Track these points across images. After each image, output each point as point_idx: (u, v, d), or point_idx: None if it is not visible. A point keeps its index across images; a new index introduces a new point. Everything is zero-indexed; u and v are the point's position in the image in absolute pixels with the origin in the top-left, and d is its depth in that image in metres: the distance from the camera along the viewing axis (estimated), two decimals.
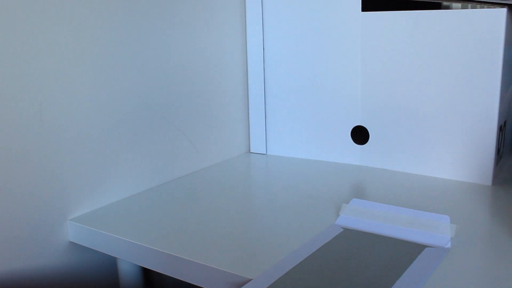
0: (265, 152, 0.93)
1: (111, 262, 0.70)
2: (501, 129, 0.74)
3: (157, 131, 0.75)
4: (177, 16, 0.76)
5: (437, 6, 0.87)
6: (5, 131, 0.56)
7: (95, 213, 0.65)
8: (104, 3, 0.64)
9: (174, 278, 0.55)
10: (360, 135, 0.83)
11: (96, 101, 0.65)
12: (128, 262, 0.66)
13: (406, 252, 0.51)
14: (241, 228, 0.60)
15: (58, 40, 0.60)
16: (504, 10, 0.67)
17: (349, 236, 0.56)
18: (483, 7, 0.69)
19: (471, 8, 0.74)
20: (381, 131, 0.80)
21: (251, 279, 0.47)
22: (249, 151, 0.95)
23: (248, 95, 0.92)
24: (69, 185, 0.63)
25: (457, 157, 0.74)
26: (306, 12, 0.83)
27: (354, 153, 0.84)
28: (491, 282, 0.45)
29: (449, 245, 0.52)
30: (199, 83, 0.81)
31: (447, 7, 0.90)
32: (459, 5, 0.88)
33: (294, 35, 0.85)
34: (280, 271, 0.48)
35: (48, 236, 0.62)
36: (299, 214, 0.63)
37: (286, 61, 0.86)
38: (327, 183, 0.75)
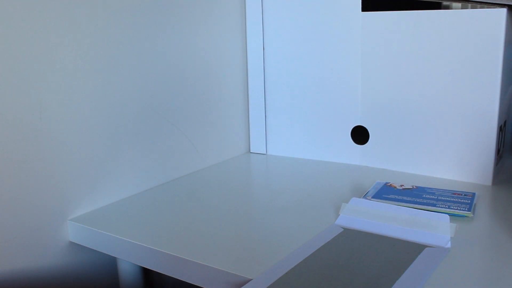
0: (265, 152, 0.93)
1: (111, 262, 0.70)
2: (501, 129, 0.74)
3: (157, 131, 0.75)
4: (177, 16, 0.76)
5: (437, 6, 0.87)
6: (5, 131, 0.56)
7: (95, 213, 0.65)
8: (104, 4, 0.64)
9: (174, 278, 0.55)
10: (360, 135, 0.83)
11: (96, 101, 0.65)
12: (128, 262, 0.66)
13: (406, 252, 0.51)
14: (241, 228, 0.60)
15: (58, 40, 0.60)
16: (504, 10, 0.67)
17: (349, 236, 0.56)
18: (483, 7, 0.69)
19: (471, 8, 0.74)
20: (381, 131, 0.80)
21: (251, 279, 0.47)
22: (249, 151, 0.95)
23: (248, 95, 0.92)
24: (69, 185, 0.63)
25: (457, 157, 0.74)
26: (306, 12, 0.83)
27: (354, 153, 0.84)
28: (491, 282, 0.45)
29: (449, 245, 0.52)
30: (199, 83, 0.81)
31: (447, 7, 0.90)
32: (459, 5, 0.88)
33: (294, 35, 0.85)
34: (279, 271, 0.48)
35: (48, 236, 0.62)
36: (299, 214, 0.63)
37: (286, 61, 0.86)
38: (327, 183, 0.75)
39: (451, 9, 0.88)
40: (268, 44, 0.88)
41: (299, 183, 0.75)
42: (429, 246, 0.52)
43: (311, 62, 0.84)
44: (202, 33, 0.80)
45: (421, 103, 0.75)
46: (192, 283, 0.53)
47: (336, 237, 0.55)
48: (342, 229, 0.57)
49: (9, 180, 0.57)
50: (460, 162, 0.74)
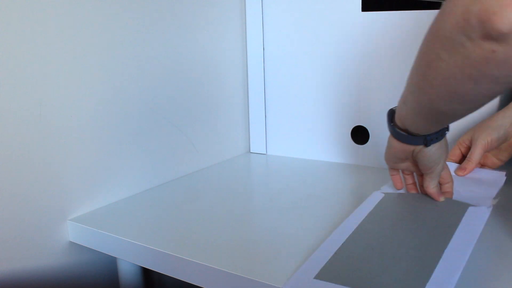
0: (265, 152, 0.93)
1: (111, 262, 0.70)
2: None
3: (157, 131, 0.75)
4: (177, 16, 0.76)
5: (437, 6, 0.87)
6: (5, 131, 0.56)
7: (95, 213, 0.65)
8: (104, 4, 0.64)
9: (174, 278, 0.55)
10: (360, 135, 0.83)
11: (96, 101, 0.65)
12: (128, 262, 0.66)
13: (452, 212, 0.51)
14: (241, 228, 0.60)
15: (59, 40, 0.60)
16: None
17: (391, 200, 0.57)
18: None
19: None
20: (381, 131, 0.80)
21: (251, 279, 0.47)
22: (249, 151, 0.95)
23: (248, 95, 0.92)
24: (69, 185, 0.63)
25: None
26: (306, 12, 0.83)
27: (354, 153, 0.84)
28: (491, 282, 0.45)
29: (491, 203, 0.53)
30: (199, 83, 0.81)
31: None
32: None
33: (294, 35, 0.85)
34: (333, 247, 0.47)
35: (48, 236, 0.62)
36: (299, 214, 0.63)
37: (286, 61, 0.86)
38: (327, 183, 0.75)
39: None
40: (268, 44, 0.88)
41: (299, 183, 0.75)
42: (472, 205, 0.52)
43: (311, 62, 0.84)
44: (202, 33, 0.80)
45: None
46: (192, 283, 0.53)
47: (379, 204, 0.56)
48: (383, 194, 0.58)
49: (9, 180, 0.57)
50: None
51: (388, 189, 0.59)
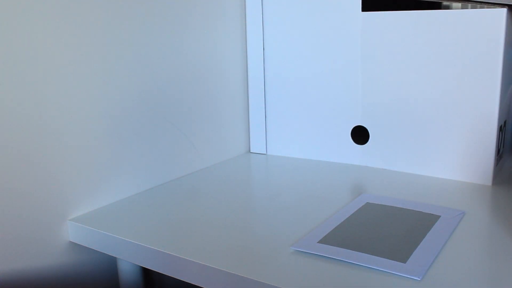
0: (265, 152, 0.93)
1: (111, 262, 0.70)
2: (501, 129, 0.74)
3: (157, 131, 0.75)
4: (177, 16, 0.76)
5: (437, 6, 0.87)
6: (4, 130, 0.56)
7: (95, 213, 0.65)
8: (104, 4, 0.64)
9: (174, 278, 0.55)
10: (360, 135, 0.83)
11: (96, 101, 0.65)
12: (128, 262, 0.66)
13: (423, 222, 0.58)
14: (241, 228, 0.60)
15: (58, 40, 0.60)
16: (504, 10, 0.67)
17: (372, 208, 0.62)
18: (483, 7, 0.69)
19: (471, 8, 0.74)
20: (381, 131, 0.80)
21: (251, 279, 0.47)
22: (249, 151, 0.95)
23: (248, 95, 0.92)
24: (69, 185, 0.63)
25: (457, 157, 0.74)
26: (306, 12, 0.83)
27: (354, 153, 0.84)
28: (490, 282, 0.45)
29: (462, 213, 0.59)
30: (199, 83, 0.81)
31: (447, 7, 0.90)
32: (459, 5, 0.88)
33: (294, 35, 0.85)
34: (335, 223, 0.58)
35: (48, 236, 0.62)
36: (299, 214, 0.63)
37: (286, 61, 0.86)
38: (327, 183, 0.75)
39: (451, 9, 0.88)
40: (268, 44, 0.88)
41: (299, 183, 0.75)
42: (444, 216, 0.59)
43: (311, 62, 0.84)
44: (202, 33, 0.80)
45: (421, 103, 0.75)
46: (192, 283, 0.53)
47: (361, 209, 0.62)
48: (366, 202, 0.64)
49: (8, 180, 0.57)
50: (460, 162, 0.74)
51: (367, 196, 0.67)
